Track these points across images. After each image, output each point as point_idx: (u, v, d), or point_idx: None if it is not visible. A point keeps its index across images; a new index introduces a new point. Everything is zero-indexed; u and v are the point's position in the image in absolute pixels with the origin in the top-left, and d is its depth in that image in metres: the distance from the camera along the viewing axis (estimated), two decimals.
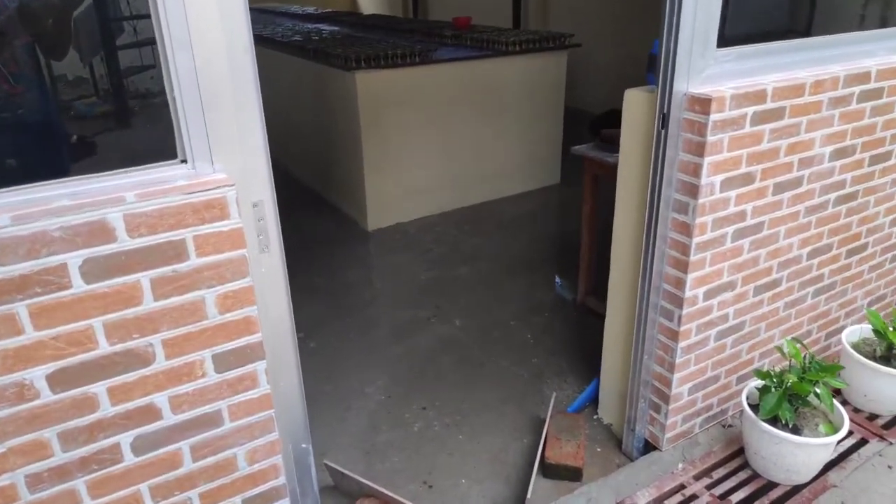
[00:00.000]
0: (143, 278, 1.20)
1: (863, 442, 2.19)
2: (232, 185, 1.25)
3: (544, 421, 2.34)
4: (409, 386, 2.70)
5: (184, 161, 1.27)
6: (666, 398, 2.13)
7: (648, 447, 2.24)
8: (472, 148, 4.51)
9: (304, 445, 1.54)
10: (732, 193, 1.98)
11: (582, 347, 2.93)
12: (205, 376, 1.30)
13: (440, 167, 4.42)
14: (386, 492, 1.95)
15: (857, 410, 2.34)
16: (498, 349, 2.95)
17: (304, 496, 1.55)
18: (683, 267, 2.00)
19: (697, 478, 2.01)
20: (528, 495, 1.98)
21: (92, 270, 1.16)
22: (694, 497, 1.94)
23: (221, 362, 1.31)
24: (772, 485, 2.00)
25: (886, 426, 2.26)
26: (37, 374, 1.15)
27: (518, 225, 4.33)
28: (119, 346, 1.21)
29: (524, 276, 3.60)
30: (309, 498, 1.57)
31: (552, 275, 3.61)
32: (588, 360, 2.81)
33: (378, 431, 2.44)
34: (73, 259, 1.14)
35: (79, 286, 1.15)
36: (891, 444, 2.17)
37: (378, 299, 3.42)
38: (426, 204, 4.46)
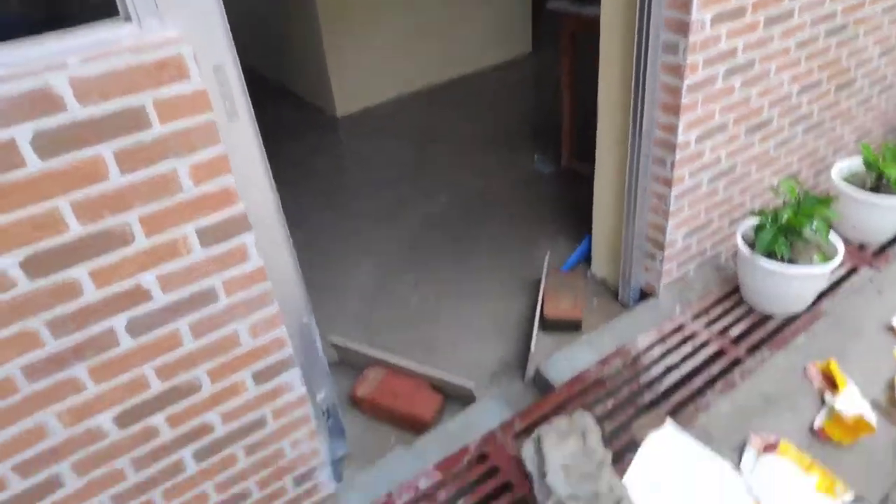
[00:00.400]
0: (105, 150, 1.10)
1: (853, 270, 2.22)
2: (187, 44, 1.12)
3: (539, 281, 2.34)
4: (402, 264, 2.67)
5: (128, 19, 1.13)
6: (661, 246, 2.12)
7: (644, 296, 2.26)
8: (438, 21, 4.25)
9: (305, 320, 1.50)
10: (723, 29, 1.87)
11: (570, 210, 2.90)
12: (190, 253, 1.23)
13: (406, 44, 4.18)
14: (391, 360, 1.96)
15: (847, 242, 2.36)
16: (486, 221, 2.91)
17: (312, 367, 1.53)
18: (675, 111, 1.93)
19: (696, 317, 2.04)
20: (532, 349, 2.00)
21: (45, 145, 1.04)
22: (694, 335, 1.97)
23: (206, 237, 1.24)
24: (768, 318, 2.03)
25: (876, 254, 2.29)
26: (9, 263, 1.07)
27: (493, 100, 4.17)
28: (92, 227, 1.12)
29: (505, 151, 3.50)
30: (317, 368, 1.55)
31: (533, 148, 3.52)
32: (577, 221, 2.79)
33: (376, 309, 2.43)
34: (21, 133, 1.02)
35: (34, 164, 1.04)
36: (880, 271, 2.21)
37: (358, 186, 3.33)
38: (395, 84, 4.26)
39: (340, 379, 2.04)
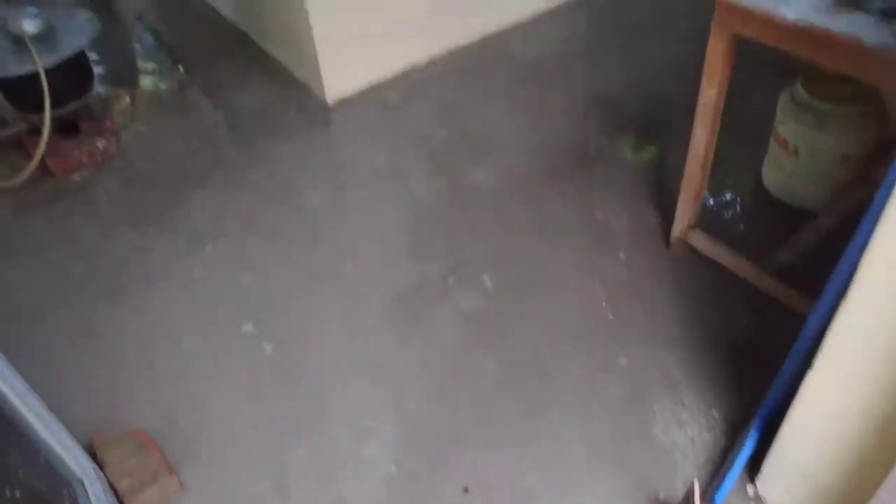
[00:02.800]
0: None
1: None
2: None
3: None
4: (433, 438, 1.66)
5: None
6: None
7: None
8: None
9: None
10: None
11: (698, 329, 1.85)
12: None
13: None
14: None
15: None
16: (559, 337, 1.87)
17: None
18: None
19: None
20: None
21: None
22: None
23: None
24: None
25: None
26: None
27: (543, 75, 2.95)
28: None
29: (575, 177, 2.38)
30: None
31: (615, 170, 2.39)
32: (716, 356, 1.76)
33: None
34: None
35: None
36: None
37: (357, 242, 2.24)
38: (407, 48, 3.02)
39: None
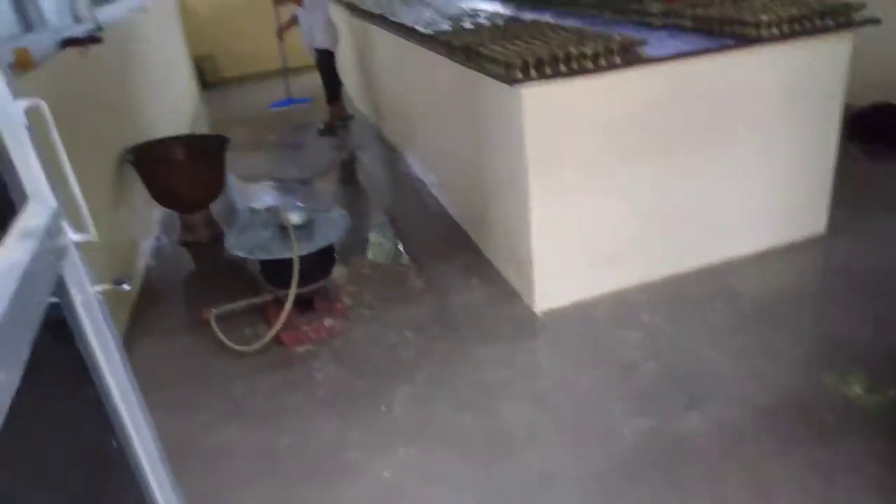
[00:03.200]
0: None
1: None
2: None
3: None
4: None
5: None
6: None
7: None
8: (690, 186, 2.98)
9: None
10: None
11: None
12: None
13: (642, 217, 2.96)
14: None
15: None
16: None
17: None
18: None
19: None
20: None
21: None
22: None
23: None
24: None
25: None
26: None
27: (768, 316, 2.76)
28: None
29: (810, 450, 2.08)
30: None
31: (860, 447, 2.06)
32: None
33: None
34: None
35: None
36: None
37: (552, 474, 2.11)
38: (621, 272, 3.04)
39: None
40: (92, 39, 3.60)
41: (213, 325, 2.88)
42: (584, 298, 2.99)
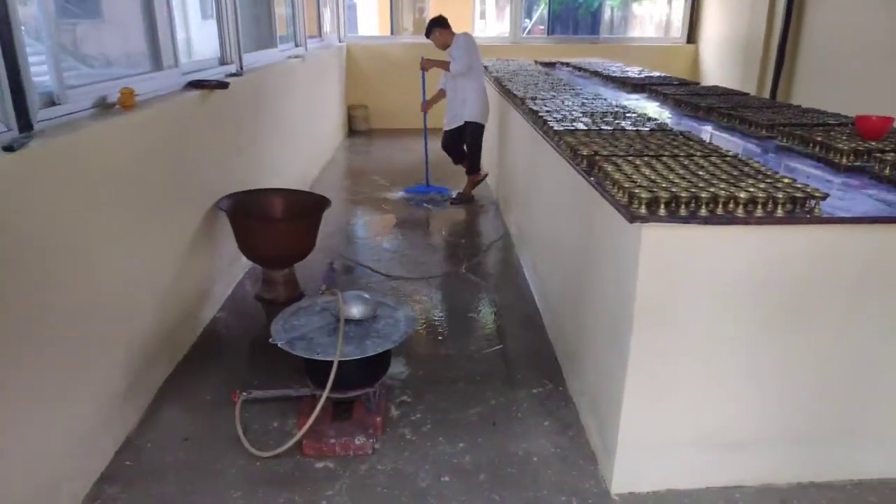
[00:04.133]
0: None
1: None
2: None
3: None
4: None
5: None
6: None
7: None
8: (842, 375, 2.24)
9: None
10: None
11: None
12: None
13: (774, 402, 2.25)
14: None
15: None
16: None
17: None
18: None
19: None
20: None
21: None
22: None
23: None
24: None
25: None
26: None
27: None
28: None
29: None
30: None
31: None
32: None
33: None
34: None
35: None
36: None
37: None
38: (734, 464, 2.33)
39: None
40: (219, 84, 3.55)
41: (237, 413, 2.54)
42: (679, 488, 2.32)
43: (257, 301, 3.80)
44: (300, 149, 5.94)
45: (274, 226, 3.64)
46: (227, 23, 4.22)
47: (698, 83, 5.77)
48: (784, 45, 7.04)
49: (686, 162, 2.48)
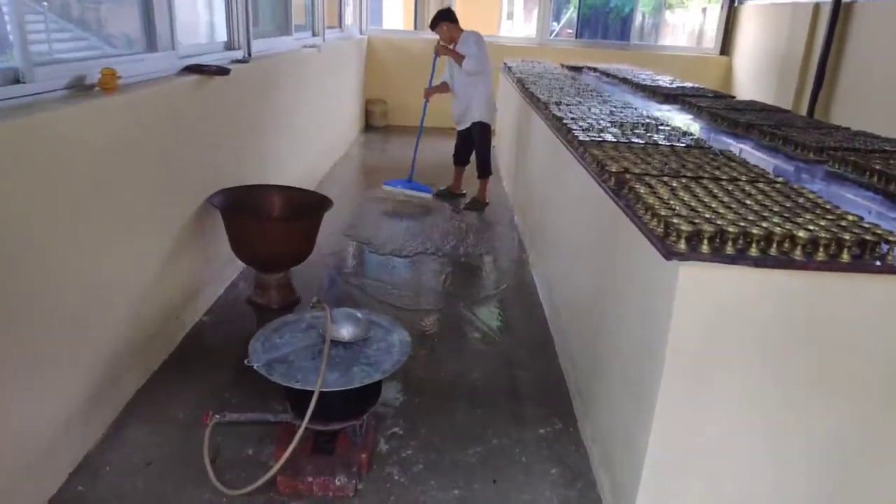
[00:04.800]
0: None
1: None
2: None
3: None
4: None
5: None
6: None
7: None
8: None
9: None
10: None
11: None
12: None
13: (821, 480, 1.93)
14: None
15: None
16: None
17: None
18: None
19: None
20: None
21: None
22: None
23: None
24: None
25: None
26: None
27: None
28: None
29: None
30: None
31: None
32: None
33: None
34: None
35: None
36: None
37: None
38: None
39: None
40: (219, 70, 3.28)
41: (206, 439, 2.27)
42: None
43: (249, 305, 3.54)
44: (310, 143, 5.67)
45: (268, 226, 3.37)
46: (236, 5, 3.96)
47: (734, 96, 5.43)
48: (825, 59, 6.66)
49: (730, 187, 2.17)
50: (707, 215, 1.79)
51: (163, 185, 2.85)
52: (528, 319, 3.60)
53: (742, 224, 1.73)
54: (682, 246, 1.66)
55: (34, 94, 2.09)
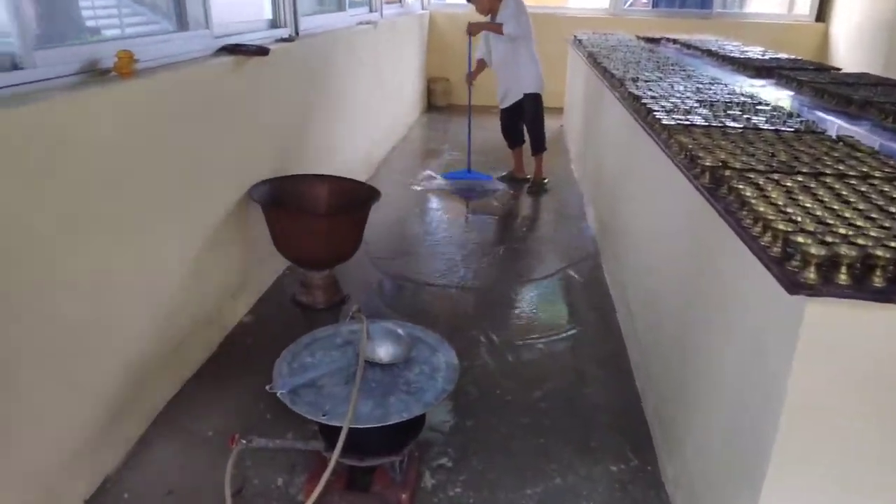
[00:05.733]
0: None
1: None
2: None
3: None
4: None
5: None
6: None
7: None
8: None
9: None
10: None
11: None
12: None
13: None
14: None
15: None
16: None
17: None
18: None
19: None
20: None
21: None
22: None
23: None
24: None
25: None
26: None
27: None
28: None
29: None
30: None
31: None
32: None
33: None
34: None
35: None
36: None
37: None
38: None
39: None
40: (258, 50, 3.01)
41: (229, 467, 2.02)
42: None
43: (294, 305, 3.30)
44: (365, 127, 5.37)
45: (311, 221, 3.10)
46: None
47: (839, 69, 4.75)
48: None
49: (863, 188, 1.71)
50: (842, 230, 1.36)
51: (194, 178, 2.62)
52: (599, 324, 3.20)
53: (892, 244, 1.29)
54: (812, 275, 1.24)
55: (36, 80, 1.85)
